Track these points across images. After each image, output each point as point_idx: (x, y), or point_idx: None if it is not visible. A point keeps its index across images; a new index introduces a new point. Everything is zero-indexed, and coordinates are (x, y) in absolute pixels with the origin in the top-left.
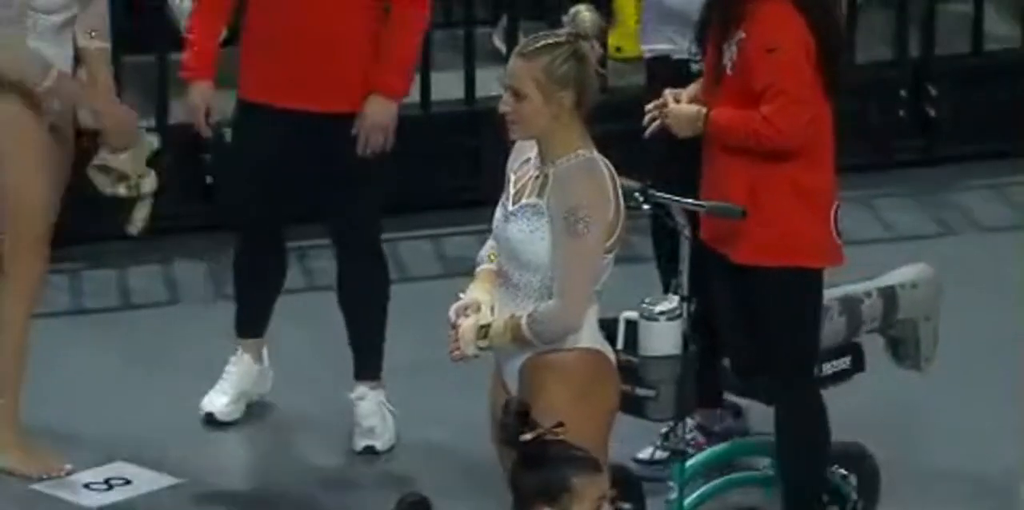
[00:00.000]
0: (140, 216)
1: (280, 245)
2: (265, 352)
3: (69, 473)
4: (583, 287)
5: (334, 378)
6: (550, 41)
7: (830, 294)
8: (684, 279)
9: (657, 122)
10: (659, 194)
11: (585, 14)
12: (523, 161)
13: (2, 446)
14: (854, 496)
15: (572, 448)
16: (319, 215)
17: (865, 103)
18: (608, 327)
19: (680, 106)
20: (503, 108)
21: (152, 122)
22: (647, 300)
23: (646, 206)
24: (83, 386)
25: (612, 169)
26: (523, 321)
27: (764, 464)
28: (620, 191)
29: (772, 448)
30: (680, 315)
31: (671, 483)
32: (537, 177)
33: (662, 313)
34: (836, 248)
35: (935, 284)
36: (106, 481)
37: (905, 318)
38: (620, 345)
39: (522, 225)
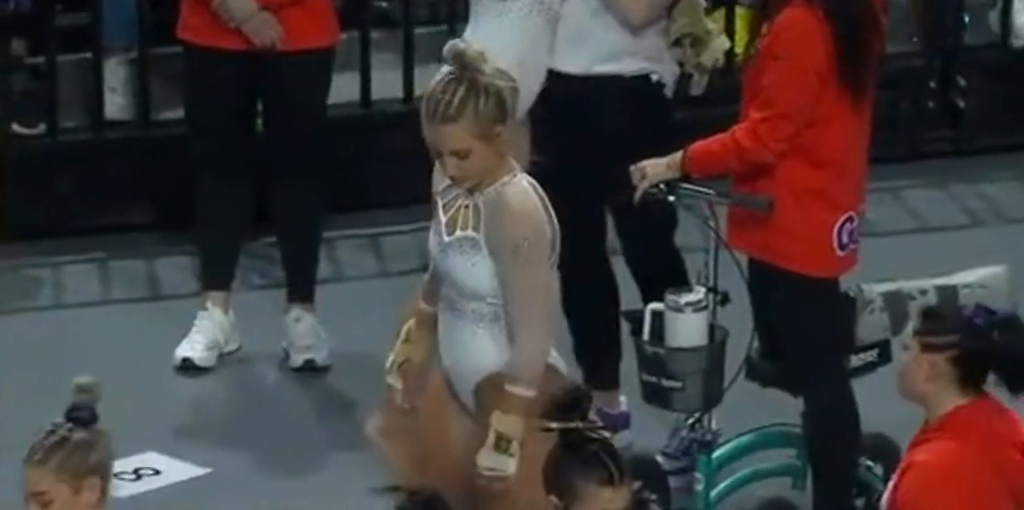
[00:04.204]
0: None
1: (245, 192)
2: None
3: None
4: (541, 318)
5: (351, 370)
6: (460, 94)
7: (879, 288)
8: (711, 270)
9: (642, 186)
10: (685, 186)
11: (460, 46)
12: (447, 185)
13: None
14: (880, 487)
15: (602, 455)
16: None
17: (894, 94)
18: (634, 318)
19: (648, 163)
20: (451, 172)
21: (180, 114)
22: (672, 291)
23: (671, 198)
24: (112, 376)
25: (535, 185)
26: (509, 389)
27: (790, 454)
28: (549, 208)
29: (798, 439)
30: (706, 306)
31: (697, 474)
32: (467, 207)
33: (688, 304)
34: (833, 259)
35: (1006, 287)
36: (135, 471)
37: None
38: (646, 336)
39: (462, 259)
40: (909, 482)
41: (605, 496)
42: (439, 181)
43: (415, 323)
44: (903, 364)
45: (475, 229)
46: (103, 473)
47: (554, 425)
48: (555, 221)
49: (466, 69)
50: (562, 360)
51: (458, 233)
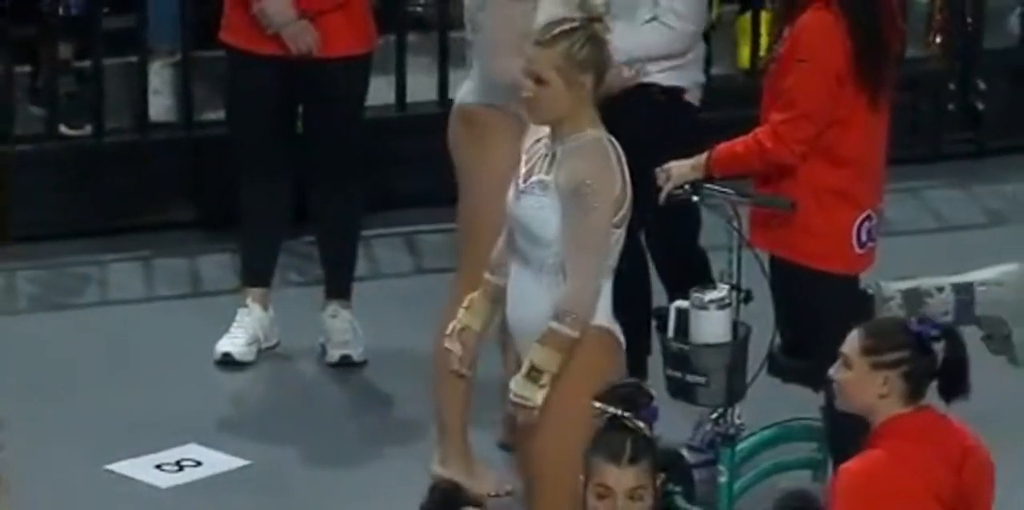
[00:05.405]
0: None
1: (285, 191)
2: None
3: (509, 494)
4: (594, 262)
5: (386, 365)
6: (566, 27)
7: (896, 286)
8: (734, 268)
9: (667, 187)
10: (709, 186)
11: None
12: (535, 141)
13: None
14: None
15: (626, 438)
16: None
17: (915, 97)
18: (660, 315)
19: (674, 165)
20: (525, 94)
21: (223, 115)
22: (697, 289)
23: (695, 198)
24: (155, 370)
25: (619, 148)
26: (553, 325)
27: (812, 448)
28: (625, 170)
29: (819, 432)
30: (729, 304)
31: (721, 467)
32: (546, 155)
33: (712, 301)
34: (852, 256)
35: (1022, 283)
36: (177, 463)
37: (987, 315)
38: (671, 333)
39: (532, 201)
40: (834, 490)
41: (611, 473)
42: (528, 139)
43: (479, 293)
44: (845, 380)
45: (548, 173)
46: None
47: (600, 406)
48: (628, 184)
49: (589, 17)
50: (618, 325)
51: (533, 178)
